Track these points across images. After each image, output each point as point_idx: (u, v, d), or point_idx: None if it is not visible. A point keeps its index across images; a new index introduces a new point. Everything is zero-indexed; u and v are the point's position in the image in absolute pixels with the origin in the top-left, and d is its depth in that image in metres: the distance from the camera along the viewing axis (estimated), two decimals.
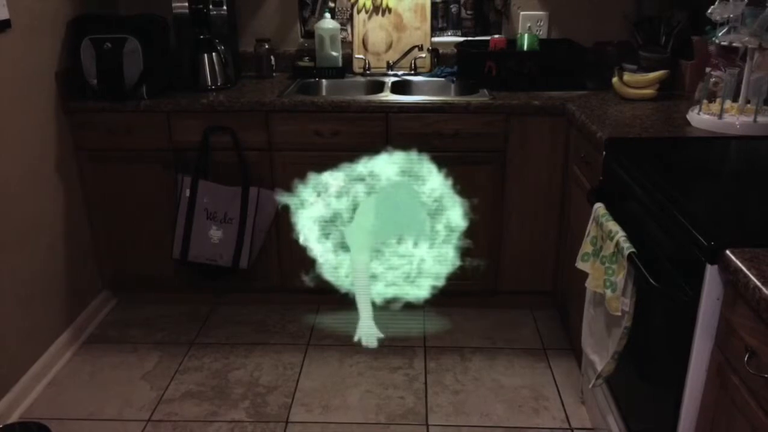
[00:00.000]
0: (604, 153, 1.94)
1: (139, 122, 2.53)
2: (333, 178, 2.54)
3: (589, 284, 1.78)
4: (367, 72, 2.94)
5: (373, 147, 2.49)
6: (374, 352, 2.52)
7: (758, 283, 1.09)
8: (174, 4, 2.69)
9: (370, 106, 2.48)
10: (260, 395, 2.29)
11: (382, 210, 2.55)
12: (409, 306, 2.71)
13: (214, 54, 2.68)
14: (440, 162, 2.49)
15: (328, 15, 2.88)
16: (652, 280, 1.43)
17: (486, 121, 2.46)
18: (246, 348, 2.57)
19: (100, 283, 2.81)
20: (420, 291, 2.66)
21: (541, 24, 2.93)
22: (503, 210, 2.59)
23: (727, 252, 1.20)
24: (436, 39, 2.99)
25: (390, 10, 2.91)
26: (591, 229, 1.82)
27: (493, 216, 2.59)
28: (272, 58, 2.92)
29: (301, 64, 2.93)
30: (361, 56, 2.94)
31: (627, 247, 1.55)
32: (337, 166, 2.52)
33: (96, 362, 2.50)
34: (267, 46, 2.90)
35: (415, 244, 2.59)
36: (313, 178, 2.55)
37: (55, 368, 2.44)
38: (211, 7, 2.71)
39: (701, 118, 2.07)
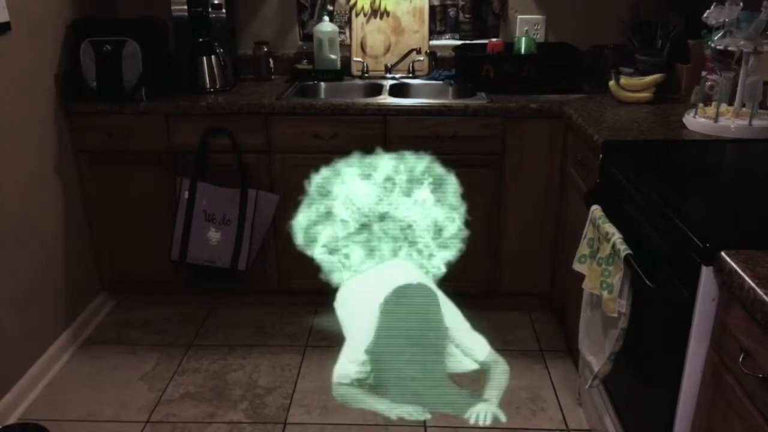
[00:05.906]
0: (600, 156, 1.96)
1: (138, 124, 2.54)
2: (331, 180, 2.55)
3: (586, 286, 1.80)
4: (366, 75, 2.95)
5: (371, 149, 2.50)
6: None
7: (753, 284, 1.10)
8: (173, 7, 2.70)
9: (369, 108, 2.49)
10: (259, 396, 2.30)
11: (378, 213, 2.56)
12: None
13: (213, 56, 2.69)
14: (438, 164, 2.51)
15: (326, 18, 2.89)
16: (648, 282, 1.44)
17: (483, 124, 2.47)
18: (244, 349, 2.57)
19: (99, 284, 2.82)
20: None
21: (539, 28, 2.94)
22: (501, 212, 2.61)
23: (722, 253, 1.21)
24: (434, 42, 3.00)
25: (388, 14, 2.92)
26: (588, 231, 1.84)
27: (491, 218, 2.61)
28: (271, 60, 2.93)
29: (299, 66, 2.94)
30: (359, 59, 2.96)
31: (623, 249, 1.56)
32: (336, 169, 2.53)
33: (95, 363, 2.50)
34: (266, 49, 2.91)
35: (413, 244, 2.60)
36: (311, 179, 2.56)
37: (54, 369, 2.45)
38: (210, 9, 2.73)
39: (697, 121, 2.08)
